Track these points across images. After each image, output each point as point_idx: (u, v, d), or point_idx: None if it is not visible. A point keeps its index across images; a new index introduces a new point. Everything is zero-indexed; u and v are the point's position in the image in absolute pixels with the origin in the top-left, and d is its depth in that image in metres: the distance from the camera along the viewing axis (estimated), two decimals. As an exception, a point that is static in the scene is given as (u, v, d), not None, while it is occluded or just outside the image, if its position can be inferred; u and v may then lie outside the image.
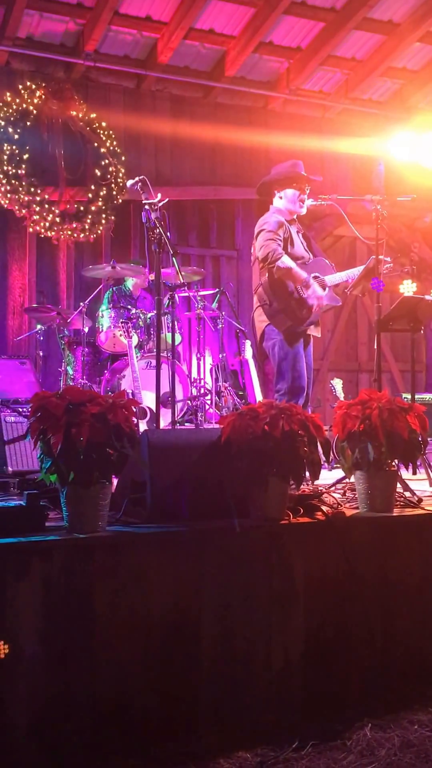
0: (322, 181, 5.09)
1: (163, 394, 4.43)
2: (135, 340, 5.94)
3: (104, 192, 7.75)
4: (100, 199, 7.73)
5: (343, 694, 2.91)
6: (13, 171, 7.27)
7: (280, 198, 4.81)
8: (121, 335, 5.96)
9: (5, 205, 7.40)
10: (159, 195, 4.27)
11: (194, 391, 6.38)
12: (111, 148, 7.83)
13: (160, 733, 2.57)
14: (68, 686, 2.45)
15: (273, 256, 4.52)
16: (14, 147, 7.30)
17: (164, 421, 5.04)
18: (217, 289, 7.37)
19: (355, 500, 3.28)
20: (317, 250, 4.85)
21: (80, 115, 7.71)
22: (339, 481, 3.69)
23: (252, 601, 2.78)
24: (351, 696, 2.92)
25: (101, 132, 7.81)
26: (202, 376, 6.57)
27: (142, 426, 5.31)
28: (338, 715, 2.78)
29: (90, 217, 7.68)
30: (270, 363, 4.98)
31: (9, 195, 7.31)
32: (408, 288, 5.34)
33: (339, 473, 3.51)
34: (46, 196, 7.46)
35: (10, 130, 7.31)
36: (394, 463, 3.13)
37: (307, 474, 2.90)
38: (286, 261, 4.55)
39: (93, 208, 7.71)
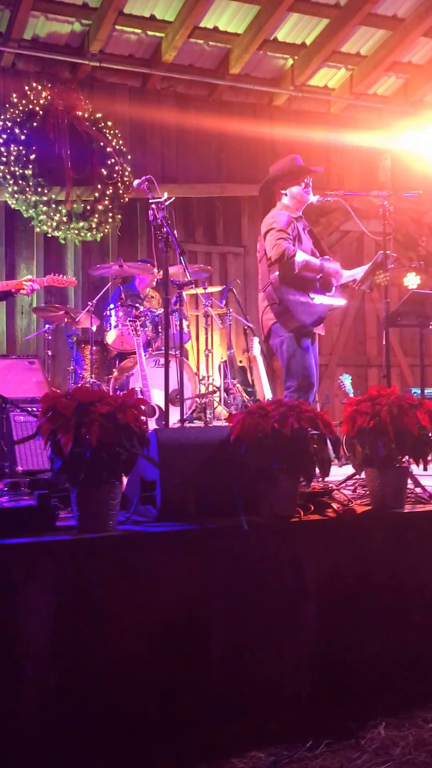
0: (329, 176, 5.09)
1: (171, 392, 4.42)
2: (143, 338, 5.94)
3: (111, 191, 7.75)
4: (107, 198, 7.74)
5: (356, 693, 2.89)
6: (20, 171, 7.29)
7: (286, 195, 4.79)
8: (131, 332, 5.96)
9: (12, 206, 7.42)
10: (165, 193, 4.27)
11: (203, 389, 6.38)
12: (117, 147, 7.84)
13: (172, 732, 2.56)
14: (78, 685, 2.45)
15: (288, 253, 4.48)
16: (21, 147, 7.31)
17: (173, 419, 5.03)
18: (225, 286, 7.38)
19: (366, 497, 3.27)
20: (324, 248, 4.82)
21: (86, 115, 7.72)
22: (349, 478, 3.68)
23: (262, 599, 2.76)
24: (364, 694, 2.89)
25: (107, 131, 7.82)
26: (210, 374, 6.57)
27: (152, 424, 5.31)
28: (352, 713, 2.75)
29: (97, 216, 7.69)
30: (278, 360, 4.96)
31: (16, 195, 7.33)
32: (412, 281, 5.31)
33: (350, 469, 3.50)
34: (53, 196, 7.47)
35: (17, 130, 7.32)
36: (404, 459, 3.12)
37: (318, 471, 2.89)
38: (300, 256, 4.52)
39: (100, 207, 7.72)
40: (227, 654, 2.69)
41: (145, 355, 5.78)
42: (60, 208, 7.50)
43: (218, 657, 2.68)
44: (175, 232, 4.27)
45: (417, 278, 4.74)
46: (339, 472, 4.02)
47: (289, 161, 4.79)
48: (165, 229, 4.15)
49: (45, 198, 7.41)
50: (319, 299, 4.64)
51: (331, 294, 4.71)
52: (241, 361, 7.54)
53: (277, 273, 4.59)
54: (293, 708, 2.76)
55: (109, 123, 7.85)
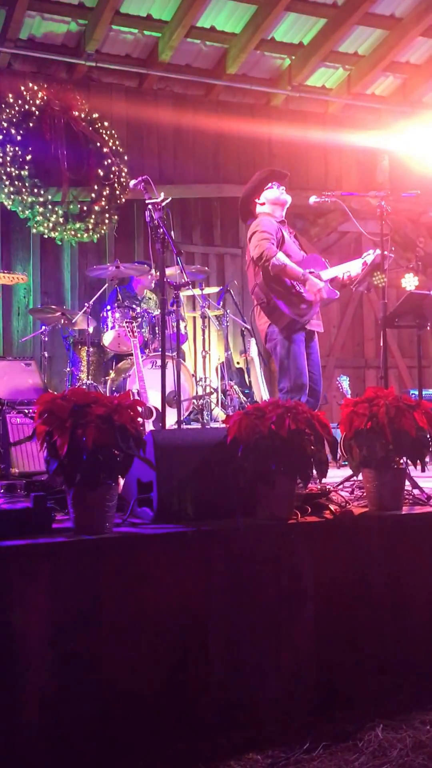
0: (327, 176, 5.08)
1: (168, 394, 4.41)
2: (140, 339, 5.93)
3: (107, 192, 7.73)
4: (104, 199, 7.72)
5: (354, 695, 2.89)
6: (16, 172, 7.27)
7: (263, 204, 4.81)
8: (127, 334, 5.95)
9: (8, 207, 7.40)
10: (162, 194, 4.25)
11: (200, 390, 6.37)
12: (114, 147, 7.82)
13: (169, 734, 2.56)
14: (76, 687, 2.44)
15: (267, 254, 4.48)
16: (17, 148, 7.28)
17: (170, 421, 5.03)
18: (222, 287, 7.36)
19: (363, 498, 3.26)
20: (309, 250, 4.82)
21: (82, 115, 7.70)
22: (347, 479, 3.68)
23: (260, 601, 2.76)
24: (362, 696, 2.89)
25: (104, 132, 7.79)
26: (207, 375, 6.56)
27: (149, 426, 5.30)
28: (349, 715, 2.76)
29: (93, 217, 7.67)
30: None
31: (12, 196, 7.31)
32: (410, 282, 5.30)
33: (349, 471, 3.49)
34: (50, 197, 7.45)
35: (13, 131, 7.30)
36: (402, 461, 3.11)
37: (315, 472, 2.88)
38: (281, 258, 4.51)
39: (96, 208, 7.69)
40: (225, 656, 2.69)
41: (142, 357, 5.76)
42: (56, 209, 7.47)
43: (216, 659, 2.67)
44: (172, 233, 4.25)
45: (415, 279, 4.73)
46: (338, 473, 4.01)
47: (256, 176, 4.84)
48: (161, 230, 4.14)
49: (41, 199, 7.39)
50: (308, 292, 4.61)
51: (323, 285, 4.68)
52: (238, 363, 7.53)
53: (261, 275, 4.58)
54: (291, 710, 2.76)
55: (106, 123, 7.83)
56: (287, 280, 4.56)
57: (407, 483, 3.32)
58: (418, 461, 3.12)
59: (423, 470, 3.24)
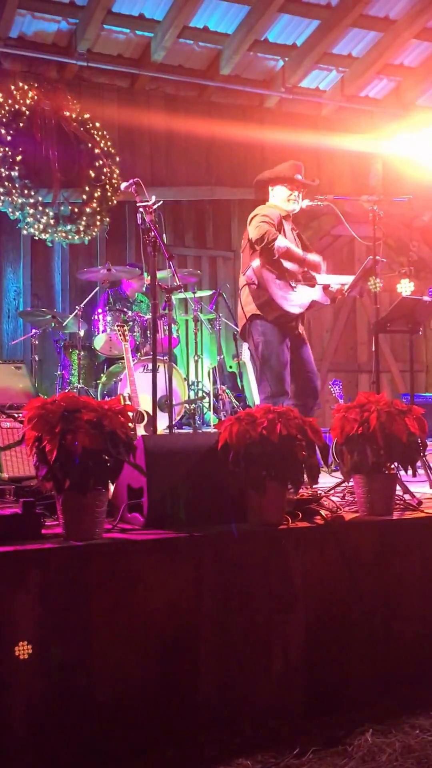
0: (319, 179, 5.03)
1: (160, 398, 4.40)
2: (131, 343, 5.91)
3: (99, 193, 7.70)
4: (95, 200, 7.68)
5: (344, 700, 2.89)
6: (6, 173, 7.22)
7: (272, 194, 4.77)
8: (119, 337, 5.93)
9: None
10: (153, 197, 4.23)
11: (192, 395, 6.35)
12: (105, 148, 7.79)
13: (159, 739, 2.55)
14: (66, 694, 2.43)
15: (269, 236, 4.39)
16: (7, 149, 7.23)
17: (162, 425, 5.01)
18: (214, 291, 7.34)
19: (354, 504, 3.26)
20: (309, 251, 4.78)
21: (74, 116, 7.65)
22: (338, 485, 3.67)
23: (251, 607, 2.76)
24: (352, 701, 2.89)
25: (95, 132, 7.76)
26: (199, 379, 6.54)
27: (140, 430, 5.28)
28: (339, 720, 2.76)
29: (84, 218, 7.63)
30: None
31: (2, 197, 7.26)
32: (406, 288, 5.30)
33: (340, 476, 3.49)
34: (40, 198, 7.41)
35: (3, 131, 7.24)
36: (393, 466, 3.11)
37: (306, 478, 2.87)
38: (282, 241, 4.46)
39: (87, 209, 7.66)
40: (215, 662, 2.68)
41: (133, 361, 5.74)
42: (47, 210, 7.43)
43: (207, 665, 2.67)
44: (164, 236, 4.23)
45: (411, 285, 4.76)
46: (330, 479, 4.00)
47: (288, 167, 4.71)
48: (153, 233, 4.12)
49: (32, 200, 7.34)
50: (301, 289, 4.59)
51: (314, 289, 4.65)
52: (231, 367, 7.51)
53: (258, 259, 4.50)
54: (281, 715, 2.76)
55: (97, 124, 7.79)
56: (284, 276, 4.50)
57: (398, 488, 3.31)
58: (409, 466, 3.12)
59: (414, 475, 3.24)
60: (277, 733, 2.67)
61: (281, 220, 4.61)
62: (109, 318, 6.24)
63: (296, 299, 4.56)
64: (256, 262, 4.51)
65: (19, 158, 7.27)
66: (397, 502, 3.28)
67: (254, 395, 6.94)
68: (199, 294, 6.85)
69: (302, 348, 4.69)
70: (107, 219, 7.80)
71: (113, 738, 2.49)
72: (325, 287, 4.67)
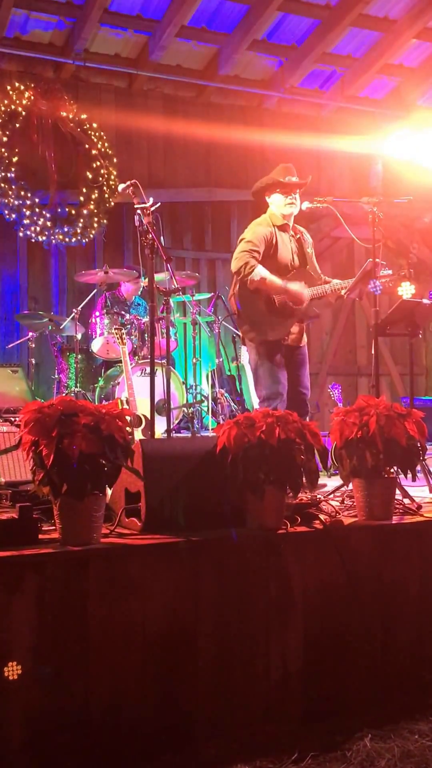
0: (319, 181, 5.01)
1: (158, 401, 4.38)
2: (129, 346, 5.88)
3: (96, 195, 7.68)
4: (92, 202, 7.66)
5: (342, 705, 2.89)
6: (2, 174, 7.19)
7: (270, 202, 4.75)
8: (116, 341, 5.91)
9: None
10: (151, 199, 4.21)
11: (190, 398, 6.33)
12: (102, 149, 7.76)
13: (157, 745, 2.55)
14: (63, 699, 2.43)
15: (246, 269, 4.40)
16: (3, 150, 7.22)
17: (160, 429, 4.98)
18: (213, 293, 7.31)
19: (353, 508, 3.25)
20: (309, 258, 4.73)
21: (71, 116, 7.63)
22: (337, 489, 3.66)
23: (249, 612, 2.75)
24: (351, 706, 2.89)
25: (92, 133, 7.73)
26: (197, 383, 6.52)
27: (138, 434, 5.26)
28: (338, 725, 2.76)
29: (82, 220, 7.61)
30: None
31: (-2, 199, 7.24)
32: (406, 290, 5.28)
33: (339, 481, 3.47)
34: (37, 200, 7.38)
35: (-1, 132, 7.24)
36: (392, 470, 3.09)
37: (305, 482, 2.86)
38: (260, 272, 4.42)
39: (85, 211, 7.64)
40: (214, 666, 2.68)
41: (131, 364, 5.72)
42: (44, 212, 7.40)
43: (206, 670, 2.67)
44: (162, 238, 4.21)
45: (411, 287, 4.73)
46: (329, 483, 3.98)
47: (278, 170, 4.70)
48: (151, 236, 4.10)
49: (28, 202, 7.32)
50: (287, 311, 4.55)
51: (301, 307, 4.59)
52: (229, 370, 7.48)
53: (238, 286, 4.50)
54: (279, 720, 2.76)
55: (95, 125, 7.76)
56: (260, 303, 4.47)
57: (398, 492, 3.30)
58: (409, 470, 3.10)
59: (414, 479, 3.23)
60: (275, 738, 2.67)
61: (274, 234, 4.57)
62: (106, 321, 6.21)
63: (280, 324, 4.52)
64: (237, 288, 4.52)
65: (15, 159, 7.25)
66: (397, 506, 3.27)
67: (253, 398, 6.92)
68: (197, 297, 6.82)
69: (299, 363, 4.63)
70: (105, 221, 7.78)
71: (110, 744, 2.48)
72: (324, 296, 4.61)
